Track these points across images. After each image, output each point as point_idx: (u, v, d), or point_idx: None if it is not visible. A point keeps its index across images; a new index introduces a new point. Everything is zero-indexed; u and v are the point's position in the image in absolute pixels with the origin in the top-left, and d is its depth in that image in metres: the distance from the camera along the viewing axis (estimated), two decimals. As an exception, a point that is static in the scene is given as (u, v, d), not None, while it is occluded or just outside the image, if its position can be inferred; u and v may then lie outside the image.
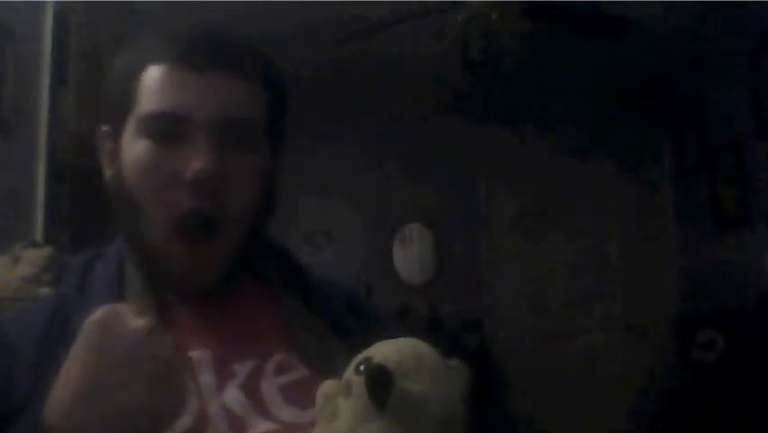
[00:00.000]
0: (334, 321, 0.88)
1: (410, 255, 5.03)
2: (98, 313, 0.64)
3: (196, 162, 0.77)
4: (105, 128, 0.87)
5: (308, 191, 4.77)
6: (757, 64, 3.58)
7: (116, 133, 0.83)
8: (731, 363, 3.45)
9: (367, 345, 0.66)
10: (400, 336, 0.68)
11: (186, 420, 0.72)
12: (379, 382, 0.60)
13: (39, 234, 2.46)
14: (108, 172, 0.86)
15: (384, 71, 4.17)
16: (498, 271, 4.89)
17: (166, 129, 0.78)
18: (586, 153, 4.78)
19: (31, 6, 2.54)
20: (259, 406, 0.77)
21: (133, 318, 0.64)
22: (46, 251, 1.55)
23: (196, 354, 0.80)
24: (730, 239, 3.90)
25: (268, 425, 0.76)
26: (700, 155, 4.24)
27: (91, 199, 0.93)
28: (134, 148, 0.80)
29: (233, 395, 0.77)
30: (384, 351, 0.64)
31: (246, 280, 0.90)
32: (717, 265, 4.03)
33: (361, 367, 0.61)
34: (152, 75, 0.80)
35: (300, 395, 0.74)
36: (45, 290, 1.42)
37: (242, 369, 0.80)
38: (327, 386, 0.65)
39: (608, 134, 4.78)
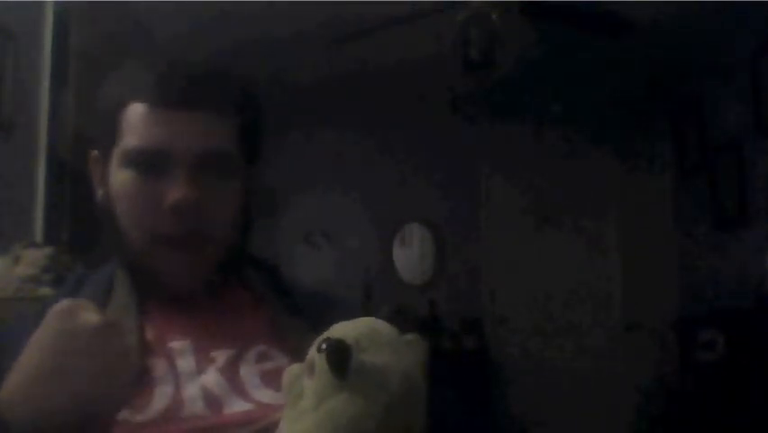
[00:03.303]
0: (314, 318, 0.90)
1: (410, 255, 5.03)
2: (60, 304, 0.70)
3: (174, 193, 0.85)
4: (94, 153, 0.95)
5: (308, 191, 4.78)
6: (757, 64, 3.58)
7: (104, 159, 0.92)
8: (732, 363, 3.44)
9: None
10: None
11: (160, 403, 0.78)
12: (338, 355, 0.62)
13: (39, 234, 2.46)
14: (99, 193, 0.94)
15: (384, 72, 4.17)
16: (498, 271, 4.89)
17: (147, 163, 0.86)
18: (586, 153, 4.78)
19: (31, 6, 2.54)
20: (237, 387, 0.82)
21: (91, 314, 0.70)
22: (46, 251, 1.55)
23: (176, 343, 0.85)
24: (730, 239, 3.90)
25: (244, 405, 0.80)
26: (700, 155, 4.24)
27: (91, 199, 0.97)
28: (120, 178, 0.88)
29: (211, 377, 0.82)
30: (342, 329, 0.67)
31: (231, 287, 0.95)
32: (717, 265, 4.03)
33: (322, 345, 0.64)
34: (134, 112, 0.88)
35: (279, 381, 0.76)
36: (45, 290, 1.42)
37: (222, 356, 0.85)
38: (292, 369, 0.69)
39: (608, 134, 4.79)
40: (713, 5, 3.35)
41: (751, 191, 3.70)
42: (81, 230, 2.54)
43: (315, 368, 0.64)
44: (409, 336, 0.69)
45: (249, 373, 0.83)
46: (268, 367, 0.84)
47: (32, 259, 1.49)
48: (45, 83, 2.57)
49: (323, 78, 4.18)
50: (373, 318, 0.70)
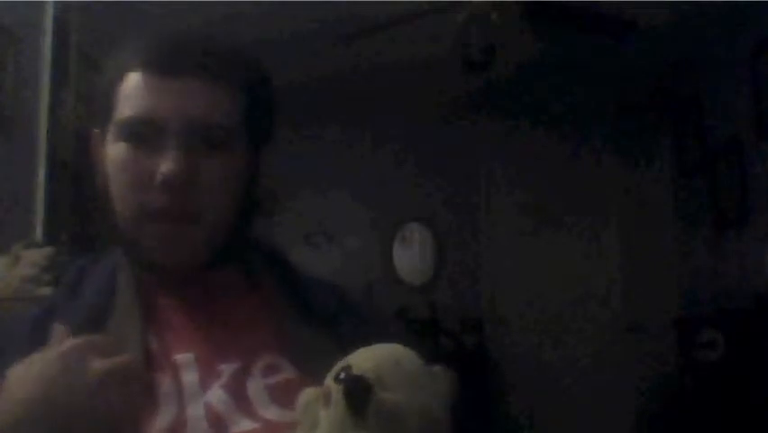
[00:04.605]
0: (327, 321, 0.88)
1: (410, 255, 5.03)
2: (65, 346, 0.65)
3: (165, 165, 0.80)
4: (96, 131, 0.90)
5: (308, 191, 4.78)
6: (757, 64, 3.58)
7: (103, 137, 0.87)
8: (732, 363, 3.44)
9: (360, 345, 0.67)
10: (396, 336, 0.68)
11: (162, 422, 0.74)
12: (358, 394, 0.60)
13: (39, 234, 2.46)
14: (98, 175, 0.89)
15: (384, 72, 4.17)
16: (498, 271, 4.89)
17: (140, 133, 0.82)
18: (586, 153, 4.78)
19: (31, 6, 2.54)
20: (243, 405, 0.78)
21: (97, 360, 0.64)
22: (46, 251, 1.55)
23: (181, 356, 0.81)
24: (730, 239, 3.90)
25: (251, 424, 0.77)
26: (700, 155, 4.23)
27: (91, 199, 0.96)
28: (113, 151, 0.84)
29: (216, 394, 0.78)
30: (363, 359, 0.64)
31: (236, 281, 0.91)
32: (717, 265, 4.02)
33: (341, 375, 0.62)
34: (130, 82, 0.84)
35: (287, 396, 0.74)
36: (45, 290, 1.42)
37: (228, 369, 0.81)
38: (307, 394, 0.66)
39: (608, 134, 4.78)
40: (713, 5, 3.35)
41: (751, 191, 3.69)
42: (81, 230, 2.54)
43: (332, 399, 0.62)
44: (435, 368, 0.67)
45: (256, 388, 0.80)
46: (276, 381, 0.81)
47: (32, 259, 1.49)
48: (45, 83, 2.57)
49: (323, 78, 4.18)
50: (397, 347, 0.67)
